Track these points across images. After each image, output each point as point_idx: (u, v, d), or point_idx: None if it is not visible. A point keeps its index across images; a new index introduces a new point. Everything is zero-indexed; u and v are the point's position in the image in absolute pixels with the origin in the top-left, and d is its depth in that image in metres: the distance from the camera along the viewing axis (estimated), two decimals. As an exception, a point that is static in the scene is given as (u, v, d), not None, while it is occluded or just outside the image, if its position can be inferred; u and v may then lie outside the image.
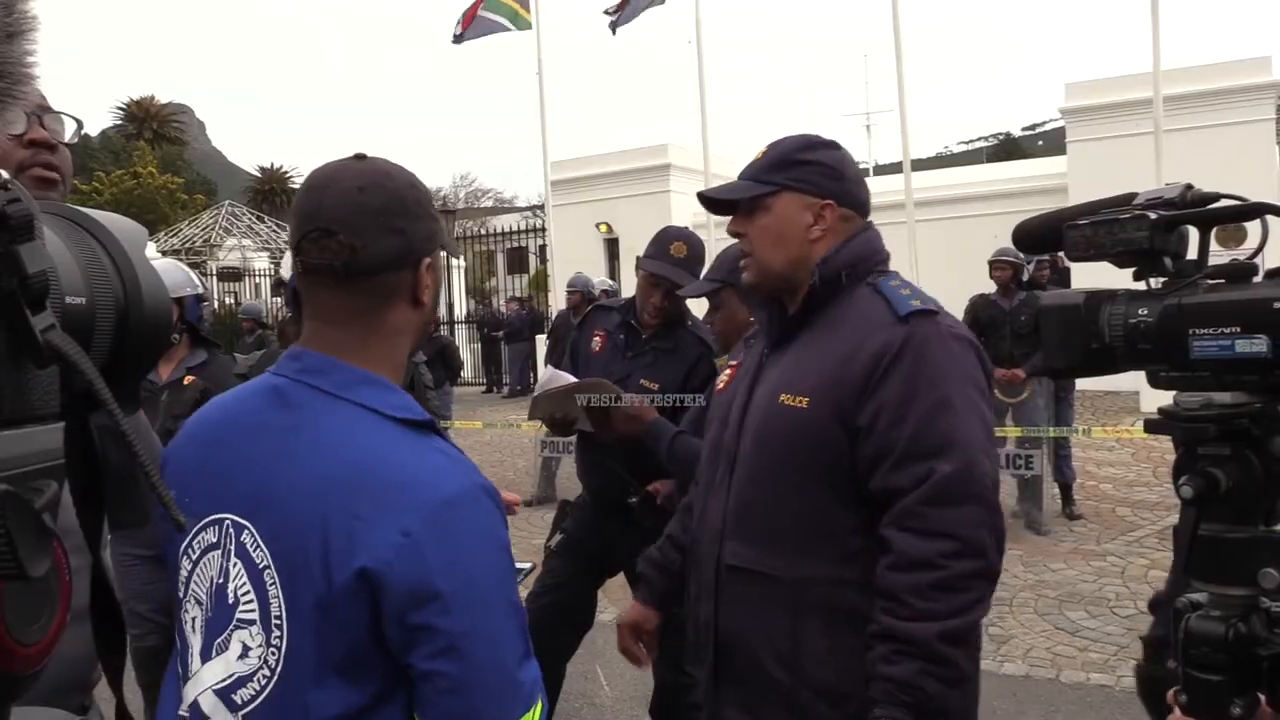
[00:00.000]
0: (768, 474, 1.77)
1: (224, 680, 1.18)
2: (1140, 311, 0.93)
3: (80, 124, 1.57)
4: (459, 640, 1.10)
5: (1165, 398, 0.96)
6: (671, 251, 3.18)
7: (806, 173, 1.83)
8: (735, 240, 1.98)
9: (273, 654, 1.15)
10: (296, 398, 1.23)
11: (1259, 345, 0.84)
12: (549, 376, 3.12)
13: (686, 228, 3.42)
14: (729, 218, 1.94)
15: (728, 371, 2.06)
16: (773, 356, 1.88)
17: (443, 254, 1.36)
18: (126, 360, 0.68)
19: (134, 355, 0.68)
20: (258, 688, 1.16)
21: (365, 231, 1.21)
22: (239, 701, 1.17)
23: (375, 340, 1.26)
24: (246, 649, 1.17)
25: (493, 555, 1.16)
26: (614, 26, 14.08)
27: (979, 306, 7.31)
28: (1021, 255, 7.53)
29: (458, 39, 15.32)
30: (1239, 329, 0.85)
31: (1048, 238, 1.11)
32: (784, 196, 1.82)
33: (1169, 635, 1.82)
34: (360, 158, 1.29)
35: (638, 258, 3.31)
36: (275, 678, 1.14)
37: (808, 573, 1.71)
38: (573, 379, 3.01)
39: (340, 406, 1.20)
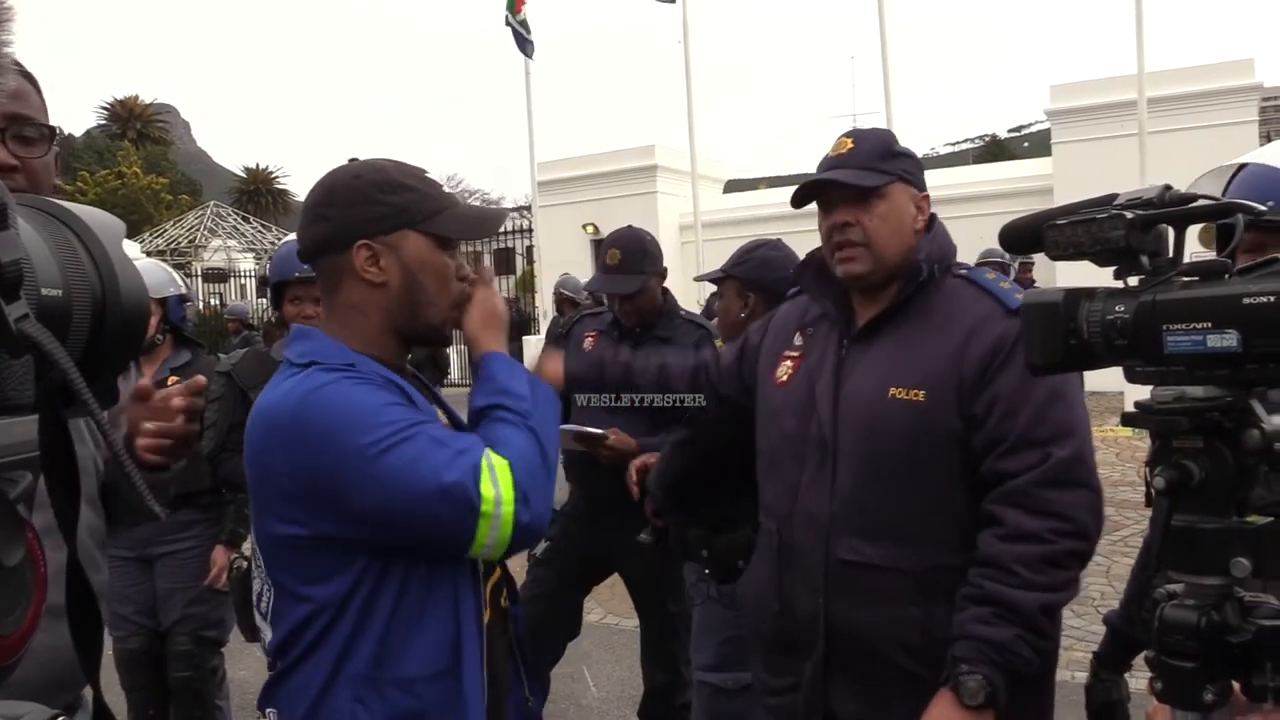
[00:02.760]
0: (884, 468, 1.77)
1: None
2: (1117, 308, 0.94)
3: (56, 131, 1.49)
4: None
5: (1149, 396, 0.97)
6: (607, 261, 3.25)
7: (908, 165, 1.87)
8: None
9: None
10: None
11: (1229, 340, 0.86)
12: None
13: (628, 226, 3.44)
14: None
15: (788, 363, 2.00)
16: (856, 348, 1.87)
17: (421, 234, 1.46)
18: (103, 355, 0.68)
19: (111, 350, 0.68)
20: None
21: (304, 224, 1.50)
22: None
23: (337, 315, 1.50)
24: None
25: (342, 439, 1.34)
26: None
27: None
28: (1007, 255, 7.56)
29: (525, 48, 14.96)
30: (1210, 324, 0.87)
31: (1032, 238, 1.13)
32: (898, 186, 1.84)
33: (1118, 651, 1.85)
34: (351, 162, 1.53)
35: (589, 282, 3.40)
36: None
37: (934, 562, 1.74)
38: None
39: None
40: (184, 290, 3.77)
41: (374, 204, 1.44)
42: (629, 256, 3.22)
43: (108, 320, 0.67)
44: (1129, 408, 0.99)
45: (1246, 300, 0.84)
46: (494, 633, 1.50)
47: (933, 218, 1.91)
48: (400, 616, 1.38)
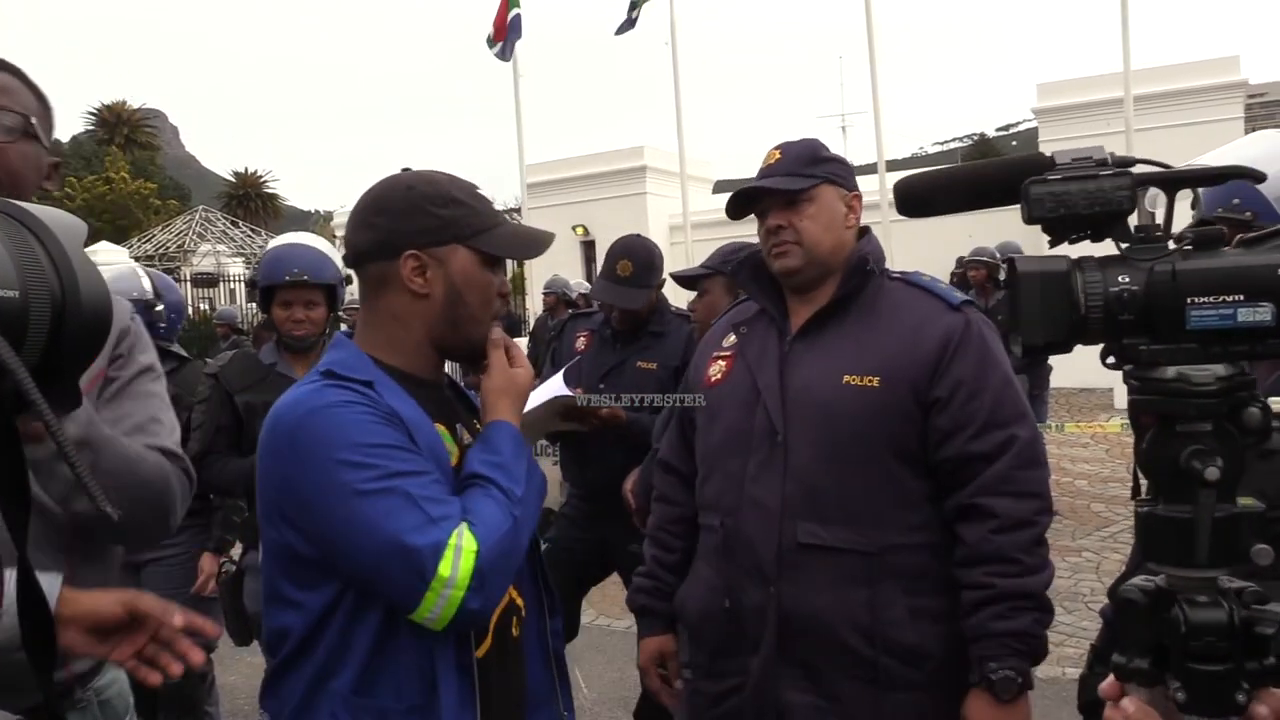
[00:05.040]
0: (840, 454, 1.83)
1: None
2: (1121, 279, 0.85)
3: (29, 122, 1.44)
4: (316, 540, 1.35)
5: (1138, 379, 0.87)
6: (618, 271, 3.27)
7: (836, 168, 1.98)
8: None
9: None
10: None
11: (1263, 314, 0.79)
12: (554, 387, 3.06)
13: (638, 235, 3.47)
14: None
15: (722, 362, 2.06)
16: (799, 344, 1.94)
17: (469, 250, 1.47)
18: (64, 357, 0.66)
19: (72, 353, 0.67)
20: None
21: (352, 228, 1.50)
22: None
23: (375, 322, 1.50)
24: None
25: (324, 466, 1.32)
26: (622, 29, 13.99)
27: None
28: (997, 254, 7.55)
29: (502, 55, 14.82)
30: (1242, 296, 0.80)
31: (925, 199, 1.05)
32: (825, 188, 1.95)
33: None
34: (404, 172, 1.56)
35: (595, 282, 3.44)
36: None
37: (886, 542, 1.81)
38: (566, 392, 3.02)
39: None
40: (150, 295, 3.70)
41: (426, 216, 1.45)
42: (639, 270, 3.26)
43: (67, 322, 0.65)
44: (1120, 404, 0.93)
45: None
46: (490, 665, 1.44)
47: (865, 229, 2.01)
48: (380, 645, 1.37)
